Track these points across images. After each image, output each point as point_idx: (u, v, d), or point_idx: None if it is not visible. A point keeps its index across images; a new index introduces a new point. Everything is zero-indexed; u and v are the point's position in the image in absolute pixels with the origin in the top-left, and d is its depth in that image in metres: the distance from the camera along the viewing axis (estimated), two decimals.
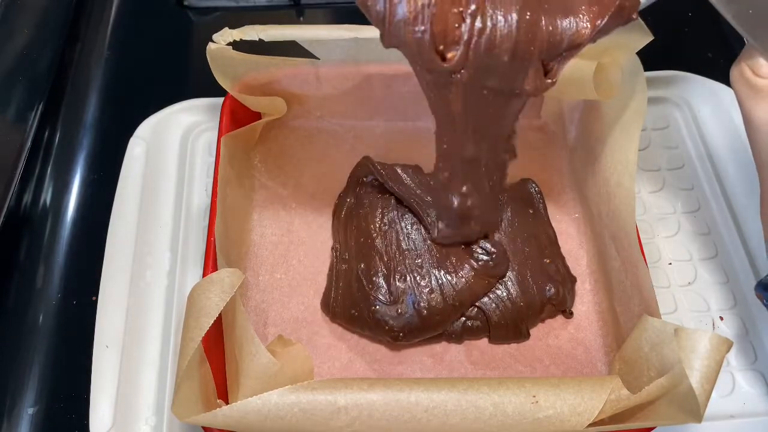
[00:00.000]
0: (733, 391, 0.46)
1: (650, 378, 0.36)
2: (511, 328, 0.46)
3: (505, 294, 0.47)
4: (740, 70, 0.36)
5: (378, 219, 0.49)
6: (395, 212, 0.49)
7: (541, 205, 0.52)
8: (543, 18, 0.30)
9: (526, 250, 0.49)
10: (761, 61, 0.35)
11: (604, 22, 0.30)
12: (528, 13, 0.30)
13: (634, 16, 0.31)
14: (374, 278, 0.46)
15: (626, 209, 0.43)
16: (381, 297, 0.46)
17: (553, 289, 0.47)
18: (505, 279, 0.47)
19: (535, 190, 0.52)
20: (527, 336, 0.46)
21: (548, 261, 0.48)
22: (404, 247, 0.47)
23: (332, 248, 0.50)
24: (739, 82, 0.37)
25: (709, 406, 0.34)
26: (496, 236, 0.49)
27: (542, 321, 0.48)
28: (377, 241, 0.48)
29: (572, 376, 0.45)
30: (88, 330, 0.46)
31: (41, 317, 0.48)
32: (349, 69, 0.51)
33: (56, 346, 0.47)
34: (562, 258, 0.49)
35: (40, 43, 0.59)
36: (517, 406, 0.35)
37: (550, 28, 0.30)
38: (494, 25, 0.30)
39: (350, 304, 0.46)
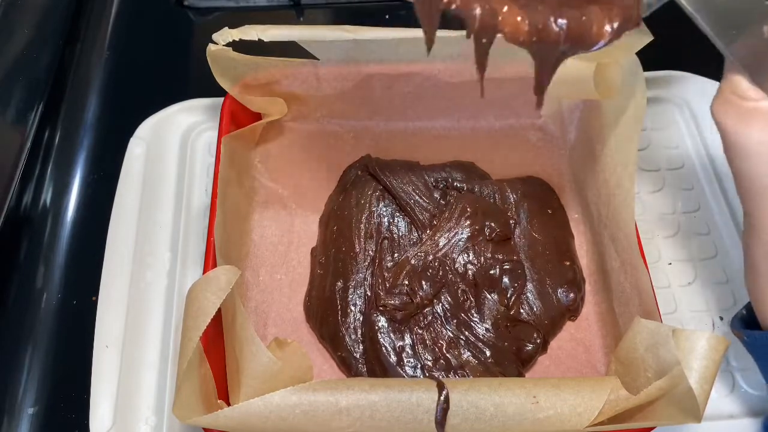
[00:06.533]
0: (732, 391, 0.46)
1: (648, 379, 0.36)
2: (539, 351, 0.46)
3: (531, 321, 0.46)
4: (724, 100, 0.35)
5: (363, 226, 0.49)
6: (383, 218, 0.49)
7: (557, 203, 0.52)
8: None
9: (547, 254, 0.48)
10: (746, 85, 0.34)
11: (616, 27, 0.31)
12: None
13: (640, 24, 0.31)
14: (349, 311, 0.45)
15: (626, 210, 0.43)
16: (349, 342, 0.44)
17: (571, 295, 0.46)
18: (527, 293, 0.47)
19: (549, 189, 0.52)
20: (546, 349, 0.46)
21: (568, 264, 0.48)
22: (387, 275, 0.46)
23: (312, 249, 0.50)
24: (725, 113, 0.35)
25: (708, 406, 0.34)
26: (515, 237, 0.49)
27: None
28: (359, 257, 0.47)
29: (572, 377, 0.45)
30: (88, 330, 0.46)
31: (41, 317, 0.48)
32: (349, 69, 0.51)
33: (56, 346, 0.47)
34: (578, 259, 0.49)
35: (40, 43, 0.59)
36: (518, 406, 0.35)
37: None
38: None
39: (322, 319, 0.46)
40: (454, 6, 0.29)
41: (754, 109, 0.34)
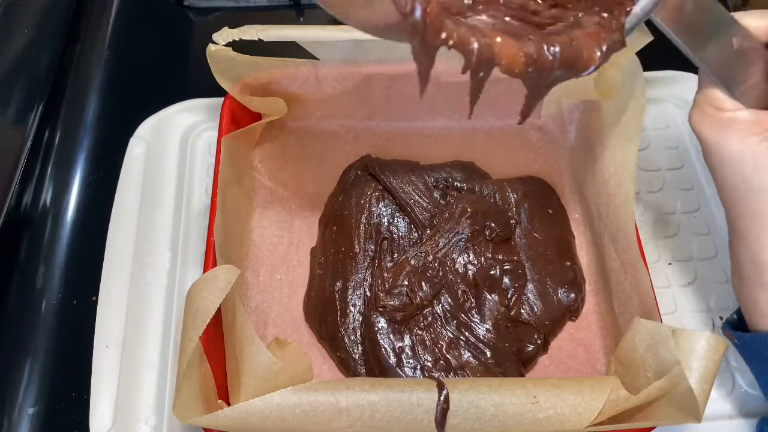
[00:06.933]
0: (732, 391, 0.46)
1: (647, 379, 0.36)
2: (540, 352, 0.45)
3: (532, 321, 0.46)
4: (702, 112, 0.36)
5: (363, 226, 0.48)
6: (383, 219, 0.49)
7: (558, 203, 0.52)
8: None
9: (547, 254, 0.48)
10: (721, 96, 0.35)
11: (605, 51, 0.31)
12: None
13: (626, 45, 0.32)
14: (348, 311, 0.45)
15: (626, 211, 0.43)
16: (348, 342, 0.44)
17: (572, 295, 0.46)
18: (527, 293, 0.47)
19: (550, 189, 0.52)
20: (547, 349, 0.46)
21: (568, 264, 0.48)
22: (386, 275, 0.46)
23: (311, 249, 0.50)
24: (703, 123, 0.36)
25: (708, 406, 0.34)
26: (515, 237, 0.49)
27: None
28: (359, 257, 0.47)
29: (572, 377, 0.45)
30: (88, 330, 0.46)
31: (41, 317, 0.48)
32: (349, 69, 0.51)
33: (56, 346, 0.47)
34: (578, 259, 0.49)
35: (40, 43, 0.59)
36: (518, 406, 0.35)
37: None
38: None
39: (321, 319, 0.46)
40: (451, 42, 0.29)
41: (731, 120, 0.35)
